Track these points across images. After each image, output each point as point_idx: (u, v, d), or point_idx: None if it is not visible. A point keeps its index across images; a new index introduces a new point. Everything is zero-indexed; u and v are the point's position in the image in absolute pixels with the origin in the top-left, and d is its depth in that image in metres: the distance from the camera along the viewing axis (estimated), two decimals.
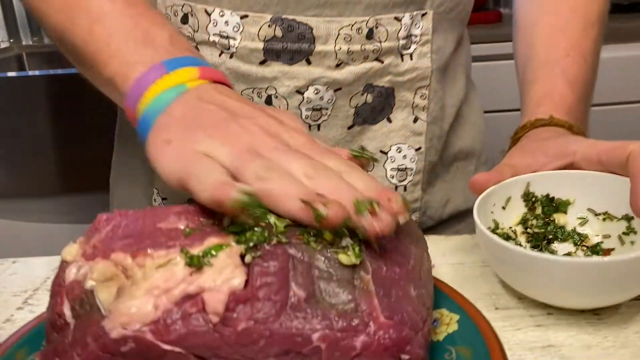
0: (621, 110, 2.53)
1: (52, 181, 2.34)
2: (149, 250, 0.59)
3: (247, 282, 0.56)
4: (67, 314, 0.59)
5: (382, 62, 0.91)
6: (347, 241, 0.58)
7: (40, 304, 0.77)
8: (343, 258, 0.57)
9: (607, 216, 0.80)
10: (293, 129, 0.66)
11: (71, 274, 0.61)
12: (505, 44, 2.22)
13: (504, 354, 0.58)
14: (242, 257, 0.57)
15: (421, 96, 0.95)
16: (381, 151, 0.97)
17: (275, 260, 0.57)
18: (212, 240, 0.59)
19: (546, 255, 0.66)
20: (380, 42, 0.91)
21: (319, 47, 0.89)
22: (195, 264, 0.57)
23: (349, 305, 0.56)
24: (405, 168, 0.98)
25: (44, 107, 2.31)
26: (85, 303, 0.58)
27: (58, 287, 0.61)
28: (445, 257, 0.85)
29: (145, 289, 0.56)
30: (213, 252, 0.58)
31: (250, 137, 0.63)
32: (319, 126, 0.94)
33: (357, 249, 0.57)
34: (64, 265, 0.62)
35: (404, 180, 0.99)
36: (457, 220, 1.07)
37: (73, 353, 0.56)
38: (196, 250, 0.58)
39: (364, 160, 0.67)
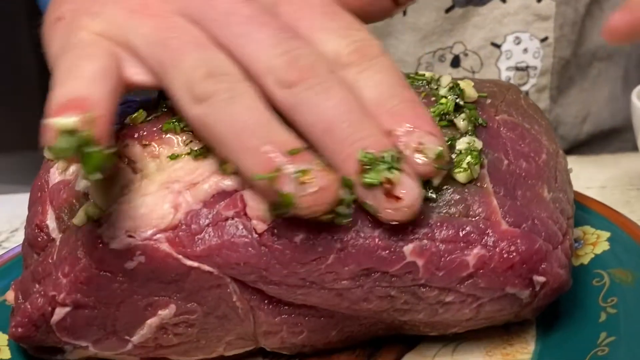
0: None
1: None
2: (166, 135, 0.41)
3: None
4: (52, 226, 0.43)
5: None
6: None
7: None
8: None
9: None
10: None
11: (56, 174, 0.44)
12: None
13: None
14: None
15: None
16: (493, 43, 0.73)
17: None
18: None
19: None
20: None
21: None
22: None
23: (457, 207, 0.39)
24: (527, 67, 0.74)
25: None
26: (76, 211, 0.41)
27: (39, 192, 0.44)
28: (581, 181, 0.65)
29: (160, 183, 0.39)
30: None
31: None
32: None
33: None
34: (47, 164, 0.45)
35: (525, 83, 0.75)
36: (599, 142, 0.83)
37: (58, 274, 0.39)
38: None
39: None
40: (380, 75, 0.38)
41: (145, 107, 0.44)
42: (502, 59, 0.73)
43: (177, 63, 0.37)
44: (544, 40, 0.73)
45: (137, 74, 0.39)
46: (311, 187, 0.34)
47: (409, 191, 0.35)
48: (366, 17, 0.42)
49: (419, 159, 0.36)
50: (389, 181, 0.35)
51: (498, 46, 0.72)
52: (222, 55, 0.37)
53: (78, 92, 0.35)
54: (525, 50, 0.72)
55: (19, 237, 0.61)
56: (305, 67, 0.36)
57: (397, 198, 0.35)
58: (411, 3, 0.44)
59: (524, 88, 0.74)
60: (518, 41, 0.72)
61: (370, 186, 0.35)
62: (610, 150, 0.79)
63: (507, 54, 0.72)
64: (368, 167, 0.35)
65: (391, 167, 0.35)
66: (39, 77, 1.94)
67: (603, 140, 0.82)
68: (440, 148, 0.36)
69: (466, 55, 0.72)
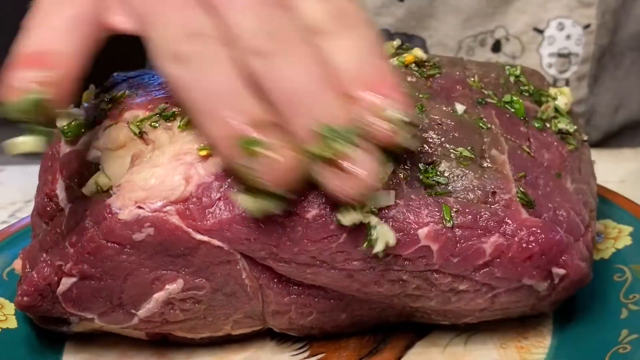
0: None
1: None
2: (178, 109, 0.41)
3: None
4: (61, 195, 0.42)
5: None
6: None
7: None
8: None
9: None
10: None
11: (67, 144, 0.43)
12: None
13: None
14: None
15: None
16: (535, 29, 0.71)
17: None
18: None
19: None
20: None
21: None
22: None
23: (475, 192, 0.38)
24: (569, 53, 0.72)
25: None
26: (87, 181, 0.40)
27: (50, 162, 0.44)
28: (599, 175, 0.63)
29: (172, 154, 0.38)
30: None
31: None
32: None
33: None
34: (59, 134, 0.44)
35: (566, 71, 0.73)
36: (631, 133, 0.80)
37: (65, 244, 0.39)
38: None
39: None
40: (354, 43, 0.36)
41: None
42: (544, 44, 0.70)
43: (162, 18, 0.36)
44: (586, 27, 0.71)
45: (121, 22, 0.37)
46: (267, 162, 0.33)
47: (362, 166, 0.33)
48: None
49: (380, 125, 0.34)
50: (340, 154, 0.33)
51: (541, 31, 0.70)
52: (206, 16, 0.36)
53: (46, 44, 0.35)
54: (568, 37, 0.70)
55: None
56: (279, 37, 0.35)
57: (348, 172, 0.33)
58: None
59: (565, 75, 0.72)
60: (561, 27, 0.70)
61: (318, 158, 0.33)
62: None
63: (550, 40, 0.70)
64: (322, 139, 0.33)
65: (345, 140, 0.33)
66: None
67: (634, 131, 0.79)
68: (403, 116, 0.34)
69: (507, 40, 0.70)
